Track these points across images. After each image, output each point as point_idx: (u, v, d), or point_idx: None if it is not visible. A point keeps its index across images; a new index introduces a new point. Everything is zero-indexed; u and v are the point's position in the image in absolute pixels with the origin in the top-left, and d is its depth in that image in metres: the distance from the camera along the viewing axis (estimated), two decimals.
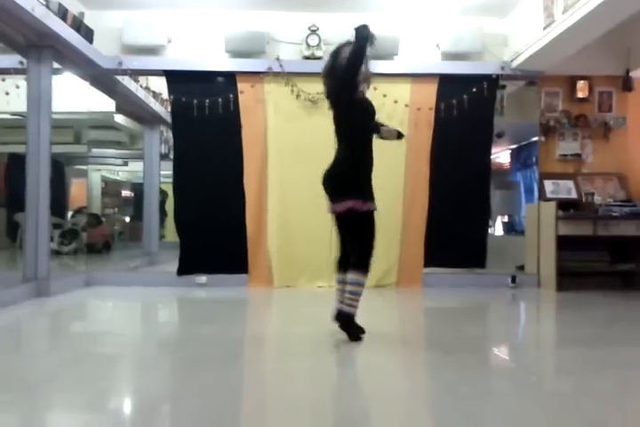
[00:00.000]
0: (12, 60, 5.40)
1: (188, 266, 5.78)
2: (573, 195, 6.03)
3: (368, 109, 3.48)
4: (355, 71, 3.32)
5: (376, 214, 3.38)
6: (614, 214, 5.63)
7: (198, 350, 3.16)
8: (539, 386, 2.62)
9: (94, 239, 9.19)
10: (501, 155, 9.19)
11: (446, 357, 3.03)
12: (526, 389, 2.54)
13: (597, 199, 5.87)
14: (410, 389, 2.60)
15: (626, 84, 6.13)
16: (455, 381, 2.56)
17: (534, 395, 2.41)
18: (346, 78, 3.35)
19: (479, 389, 2.49)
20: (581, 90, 6.20)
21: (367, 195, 3.34)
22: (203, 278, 5.77)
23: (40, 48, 4.96)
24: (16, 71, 5.48)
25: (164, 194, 8.69)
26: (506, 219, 8.66)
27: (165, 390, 2.54)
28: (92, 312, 4.89)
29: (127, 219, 11.51)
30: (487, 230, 6.16)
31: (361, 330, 3.32)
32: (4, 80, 5.87)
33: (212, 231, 5.75)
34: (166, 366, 2.97)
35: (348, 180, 3.34)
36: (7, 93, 5.88)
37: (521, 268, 6.32)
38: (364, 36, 3.23)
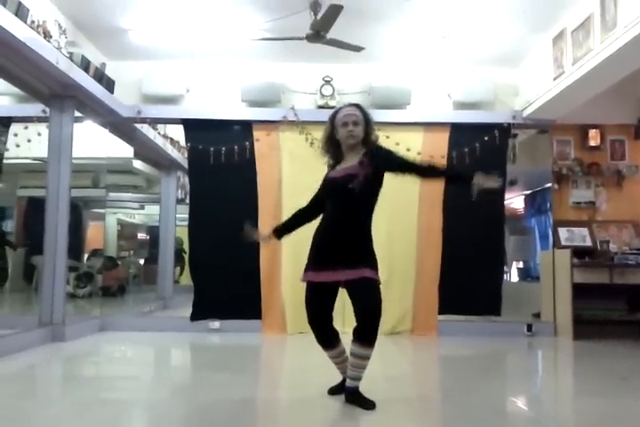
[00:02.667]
0: (35, 108, 5.56)
1: (202, 311, 5.79)
2: (588, 242, 6.01)
3: None
4: None
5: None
6: (630, 262, 5.59)
7: (211, 397, 3.15)
8: None
9: (109, 282, 9.22)
10: (515, 200, 9.21)
11: (462, 407, 3.00)
12: None
13: (613, 247, 5.84)
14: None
15: (638, 132, 6.19)
16: None
17: None
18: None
19: None
20: (593, 138, 6.26)
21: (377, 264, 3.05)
22: (216, 324, 5.76)
23: (63, 98, 5.12)
24: (39, 119, 5.64)
25: (179, 241, 8.77)
26: (521, 265, 8.61)
27: None
28: (106, 358, 4.88)
29: (141, 261, 11.57)
30: (502, 278, 6.14)
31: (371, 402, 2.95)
32: (26, 128, 6.03)
33: (227, 277, 5.78)
34: (179, 413, 2.96)
35: (365, 245, 3.02)
36: (29, 141, 6.03)
37: (537, 315, 6.26)
38: None
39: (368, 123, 3.08)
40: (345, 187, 2.97)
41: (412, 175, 3.08)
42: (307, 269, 3.07)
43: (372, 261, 2.99)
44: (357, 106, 3.12)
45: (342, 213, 3.02)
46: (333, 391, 3.16)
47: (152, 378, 4.05)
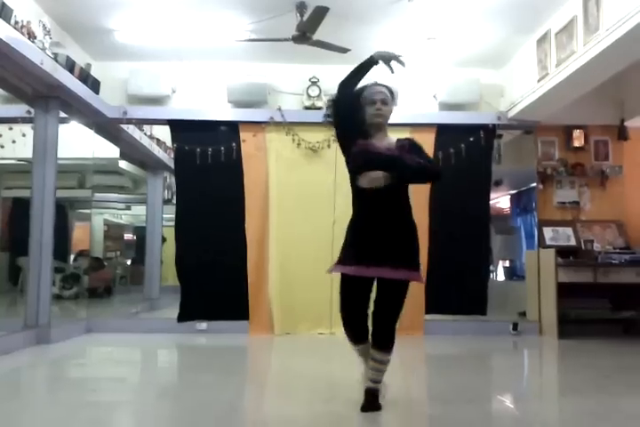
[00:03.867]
0: (19, 109, 5.52)
1: (189, 312, 5.78)
2: (572, 242, 6.07)
3: None
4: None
5: None
6: (614, 262, 5.65)
7: (197, 398, 3.15)
8: None
9: (96, 283, 9.18)
10: (501, 200, 9.27)
11: (449, 408, 3.02)
12: None
13: (597, 246, 5.91)
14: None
15: (621, 133, 6.25)
16: None
17: None
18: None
19: None
20: (577, 139, 6.32)
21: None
22: (203, 325, 5.76)
23: (47, 98, 5.09)
24: (23, 120, 5.60)
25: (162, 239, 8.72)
26: (507, 264, 8.67)
27: None
28: (93, 360, 4.87)
29: (128, 262, 11.52)
30: (488, 277, 6.18)
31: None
32: (11, 129, 6.00)
33: (213, 278, 5.78)
34: (165, 415, 2.96)
35: (416, 243, 2.89)
36: (14, 142, 5.99)
37: (523, 314, 6.31)
38: None
39: (392, 103, 2.96)
40: (395, 161, 2.78)
41: None
42: (344, 260, 2.85)
43: (419, 261, 2.88)
44: (385, 86, 2.99)
45: (386, 201, 2.81)
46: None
47: (139, 380, 4.05)
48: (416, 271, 2.83)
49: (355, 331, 2.93)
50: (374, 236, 2.80)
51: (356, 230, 2.88)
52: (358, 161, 2.86)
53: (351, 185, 2.92)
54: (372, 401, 2.86)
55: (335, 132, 3.02)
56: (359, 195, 2.87)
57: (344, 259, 2.85)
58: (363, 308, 2.89)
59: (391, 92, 2.98)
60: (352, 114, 2.90)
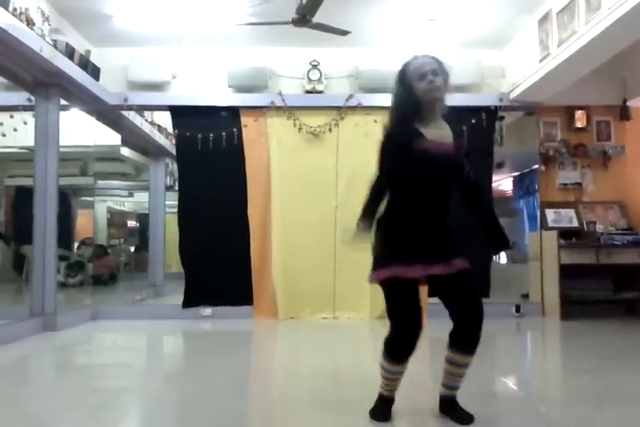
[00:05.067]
0: (20, 97, 5.52)
1: (193, 298, 5.81)
2: (575, 223, 6.07)
3: None
4: None
5: None
6: (616, 243, 5.66)
7: (203, 383, 3.18)
8: (548, 416, 2.64)
9: (100, 271, 9.22)
10: (504, 182, 9.25)
11: None
12: (537, 419, 2.56)
13: (599, 228, 5.90)
14: (420, 422, 2.62)
15: (623, 113, 6.20)
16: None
17: (545, 425, 2.45)
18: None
19: (491, 418, 2.50)
20: (579, 120, 6.29)
21: None
22: (208, 311, 5.79)
23: (48, 86, 5.08)
24: (24, 108, 5.60)
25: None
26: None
27: (172, 424, 2.57)
28: (99, 347, 4.91)
29: (132, 249, 11.56)
30: (490, 260, 6.19)
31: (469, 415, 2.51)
32: (12, 117, 5.99)
33: (217, 263, 5.80)
34: (172, 400, 3.00)
35: (452, 232, 2.56)
36: (15, 130, 5.99)
37: (526, 296, 6.33)
38: None
39: (445, 77, 2.47)
40: (450, 168, 2.45)
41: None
42: (389, 263, 2.41)
43: (458, 247, 2.54)
44: (431, 56, 2.52)
45: (439, 199, 2.47)
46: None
47: (145, 366, 4.09)
48: (464, 259, 2.50)
49: (414, 344, 2.44)
50: (432, 232, 2.46)
51: (410, 228, 2.43)
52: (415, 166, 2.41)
53: (396, 180, 2.46)
54: (451, 411, 2.52)
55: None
56: (412, 191, 2.44)
57: (393, 261, 2.41)
58: (421, 312, 2.45)
59: (440, 61, 2.49)
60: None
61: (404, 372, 2.52)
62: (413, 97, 2.43)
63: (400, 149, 2.40)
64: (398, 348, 2.47)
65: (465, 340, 2.46)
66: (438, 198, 2.47)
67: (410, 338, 2.43)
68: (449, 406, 2.54)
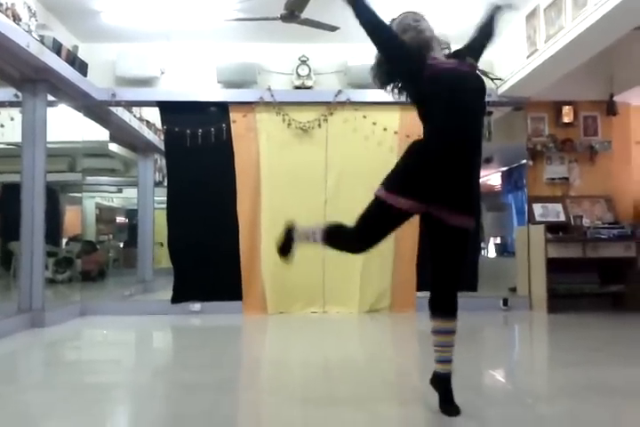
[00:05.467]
0: (6, 93, 5.48)
1: (182, 294, 5.81)
2: (562, 218, 6.12)
3: None
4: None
5: None
6: (603, 237, 5.72)
7: (193, 378, 3.19)
8: (535, 408, 2.68)
9: (89, 267, 9.18)
10: (492, 177, 9.31)
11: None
12: (524, 411, 2.59)
13: (586, 222, 5.96)
14: (407, 414, 2.64)
15: (610, 108, 6.26)
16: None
17: (532, 417, 2.48)
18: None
19: (479, 411, 2.53)
20: (567, 115, 6.33)
21: None
22: (197, 306, 5.80)
23: (35, 82, 5.05)
24: (11, 104, 5.56)
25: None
26: (498, 240, 8.74)
27: (162, 418, 2.58)
28: (87, 343, 4.91)
29: (121, 245, 11.53)
30: (478, 254, 6.24)
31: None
32: None
33: (206, 259, 5.80)
34: (161, 395, 3.01)
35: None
36: (2, 126, 5.95)
37: (513, 289, 6.38)
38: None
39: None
40: (480, 84, 2.51)
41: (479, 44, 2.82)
42: (400, 192, 2.37)
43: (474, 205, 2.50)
44: (407, 12, 2.69)
45: (472, 126, 2.45)
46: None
47: (134, 361, 4.09)
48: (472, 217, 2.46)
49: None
50: (455, 178, 2.38)
51: (435, 166, 2.36)
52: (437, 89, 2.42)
53: (423, 102, 2.49)
54: (451, 399, 2.48)
55: (402, 79, 2.59)
56: (442, 113, 2.40)
57: (407, 192, 2.36)
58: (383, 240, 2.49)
59: (418, 13, 2.68)
60: (403, 43, 2.53)
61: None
62: (406, 51, 2.51)
63: (411, 66, 2.50)
64: (339, 245, 2.65)
65: (448, 305, 2.50)
66: (470, 126, 2.43)
67: (352, 251, 2.67)
68: (442, 383, 2.53)
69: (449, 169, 2.36)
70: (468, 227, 2.46)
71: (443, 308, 2.50)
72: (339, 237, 2.60)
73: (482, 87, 2.56)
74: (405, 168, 2.45)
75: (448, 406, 2.47)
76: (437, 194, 2.38)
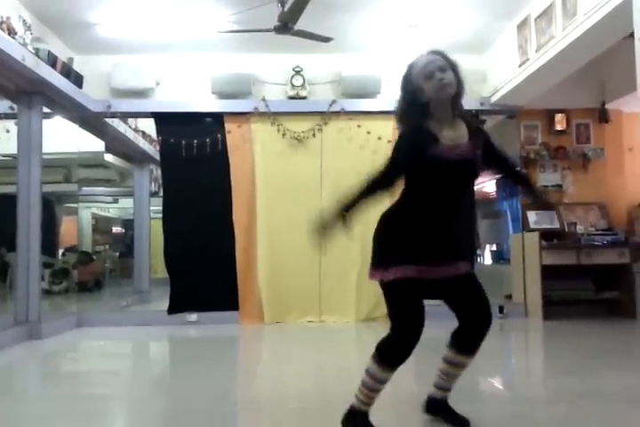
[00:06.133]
0: (2, 105, 5.51)
1: (179, 304, 5.81)
2: (556, 225, 6.15)
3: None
4: None
5: None
6: (597, 243, 5.75)
7: (190, 390, 3.20)
8: (531, 415, 2.69)
9: (85, 277, 9.18)
10: (487, 184, 9.34)
11: None
12: (520, 418, 2.61)
13: (580, 229, 5.99)
14: (403, 424, 2.66)
15: (602, 116, 6.31)
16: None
17: (528, 424, 2.50)
18: None
19: (475, 417, 2.54)
20: (559, 122, 6.38)
21: None
22: (193, 316, 5.80)
23: (30, 94, 5.07)
24: (6, 116, 5.58)
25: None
26: (494, 248, 8.76)
27: None
28: (84, 354, 4.90)
29: (117, 255, 11.52)
30: (474, 262, 6.26)
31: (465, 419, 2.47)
32: None
33: (202, 269, 5.80)
34: (159, 407, 3.01)
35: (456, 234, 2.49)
36: None
37: (509, 296, 6.40)
38: None
39: (456, 70, 2.33)
40: (467, 171, 2.33)
41: (494, 171, 2.61)
42: (398, 262, 2.27)
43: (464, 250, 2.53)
44: (435, 51, 2.38)
45: (454, 200, 2.37)
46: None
47: (131, 373, 4.09)
48: (467, 263, 2.43)
49: (412, 348, 2.31)
50: (440, 233, 2.37)
51: (418, 228, 2.32)
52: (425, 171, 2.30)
53: (407, 178, 2.36)
54: (457, 414, 2.47)
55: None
56: (426, 191, 2.33)
57: (402, 260, 2.28)
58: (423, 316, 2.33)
59: (446, 56, 2.36)
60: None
61: (388, 381, 2.35)
62: (420, 100, 2.29)
63: (415, 151, 2.26)
64: (397, 352, 2.30)
65: (471, 341, 2.39)
66: (452, 201, 2.36)
67: (411, 342, 2.28)
68: (441, 407, 2.50)
69: (433, 232, 2.34)
70: (467, 271, 2.39)
71: (467, 344, 2.42)
72: (389, 347, 2.33)
73: (473, 172, 2.36)
74: (388, 242, 2.35)
75: (459, 422, 2.46)
76: (432, 255, 2.33)
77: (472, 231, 6.23)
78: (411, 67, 2.37)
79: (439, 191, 2.32)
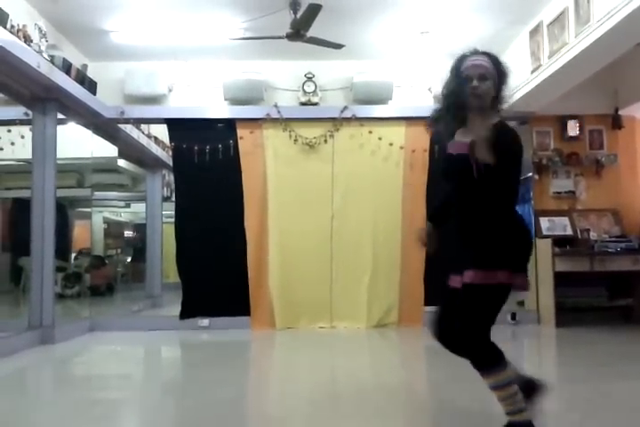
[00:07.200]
0: (17, 111, 5.56)
1: (191, 309, 5.84)
2: (569, 231, 6.12)
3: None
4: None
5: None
6: (610, 250, 5.71)
7: (202, 395, 3.21)
8: (543, 423, 2.67)
9: (98, 281, 9.22)
10: None
11: (449, 397, 3.08)
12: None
13: (593, 235, 5.96)
14: None
15: (615, 122, 6.28)
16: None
17: None
18: None
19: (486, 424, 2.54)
20: (572, 129, 6.36)
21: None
22: (205, 322, 5.82)
23: (45, 101, 5.12)
24: (21, 122, 5.64)
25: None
26: None
27: None
28: (97, 359, 4.92)
29: (129, 259, 11.57)
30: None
31: None
32: (9, 131, 6.03)
33: (214, 274, 5.83)
34: (171, 411, 3.02)
35: (482, 238, 2.39)
36: (12, 144, 6.03)
37: (521, 303, 6.36)
38: None
39: (502, 78, 2.34)
40: (459, 168, 2.26)
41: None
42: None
43: (483, 257, 2.26)
44: (488, 54, 2.35)
45: (460, 200, 2.35)
46: None
47: (143, 377, 4.12)
48: (469, 271, 2.28)
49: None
50: (456, 238, 2.41)
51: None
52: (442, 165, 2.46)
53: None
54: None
55: None
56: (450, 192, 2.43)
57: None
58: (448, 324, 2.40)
59: (495, 60, 2.34)
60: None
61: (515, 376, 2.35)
62: (458, 94, 2.30)
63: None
64: (496, 350, 2.30)
65: (469, 360, 2.33)
66: (460, 200, 2.34)
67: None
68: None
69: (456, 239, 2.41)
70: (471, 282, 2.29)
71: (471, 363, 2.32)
72: (488, 351, 2.34)
73: (464, 169, 2.24)
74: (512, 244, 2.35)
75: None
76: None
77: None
78: (462, 58, 2.34)
79: (452, 191, 2.39)
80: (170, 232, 6.58)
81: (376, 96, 6.20)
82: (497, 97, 2.34)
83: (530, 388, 2.46)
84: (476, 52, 2.35)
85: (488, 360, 2.28)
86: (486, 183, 2.21)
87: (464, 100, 2.29)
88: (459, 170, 2.28)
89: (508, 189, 2.30)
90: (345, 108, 6.03)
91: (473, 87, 2.26)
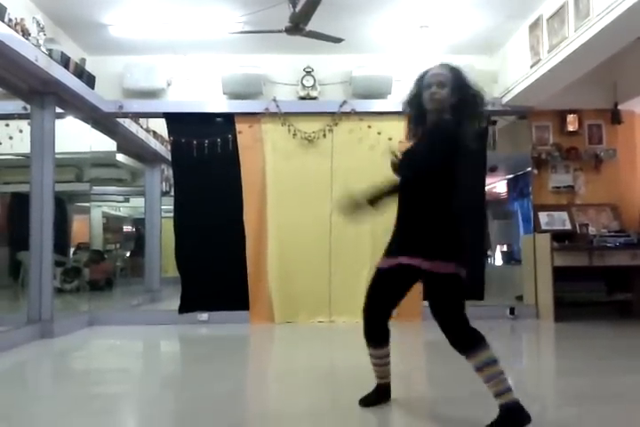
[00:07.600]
0: (15, 105, 5.54)
1: (190, 304, 5.85)
2: (568, 226, 6.13)
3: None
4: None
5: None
6: (609, 245, 5.72)
7: (201, 389, 3.22)
8: (542, 416, 2.69)
9: (96, 276, 9.21)
10: (498, 185, 9.31)
11: (448, 392, 3.09)
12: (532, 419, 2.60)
13: (592, 230, 5.97)
14: (413, 423, 2.66)
15: (615, 117, 6.27)
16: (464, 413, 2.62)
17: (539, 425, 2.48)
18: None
19: (486, 418, 2.54)
20: (571, 123, 6.35)
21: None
22: (204, 316, 5.83)
23: (43, 95, 5.11)
24: (20, 116, 5.62)
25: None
26: (505, 248, 8.73)
27: None
28: (96, 353, 4.93)
29: (128, 254, 11.57)
30: (484, 263, 6.25)
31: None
32: (7, 125, 6.02)
33: (213, 269, 5.84)
34: (170, 405, 3.03)
35: (428, 231, 2.72)
36: (11, 138, 6.02)
37: (520, 298, 6.38)
38: None
39: (461, 87, 2.61)
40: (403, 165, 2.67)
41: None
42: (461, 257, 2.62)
43: (436, 250, 2.54)
44: (448, 66, 2.68)
45: (402, 195, 2.74)
46: (367, 403, 2.80)
47: (142, 371, 4.12)
48: (441, 262, 2.52)
49: (371, 330, 2.81)
50: (397, 229, 2.76)
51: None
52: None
53: None
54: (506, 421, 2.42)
55: None
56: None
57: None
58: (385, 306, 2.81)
59: (454, 71, 2.65)
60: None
61: (381, 358, 2.81)
62: (419, 100, 2.66)
63: None
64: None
65: (451, 342, 2.54)
66: (406, 196, 2.71)
67: (365, 321, 2.82)
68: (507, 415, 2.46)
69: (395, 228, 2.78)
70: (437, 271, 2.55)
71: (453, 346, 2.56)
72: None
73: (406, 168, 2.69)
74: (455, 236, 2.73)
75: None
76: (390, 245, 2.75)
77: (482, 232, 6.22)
78: (427, 71, 2.71)
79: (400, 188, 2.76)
80: (169, 227, 6.57)
81: (375, 90, 6.18)
82: (458, 102, 2.60)
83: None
84: (438, 65, 2.70)
85: (474, 341, 2.49)
86: (426, 181, 2.58)
87: (424, 103, 2.63)
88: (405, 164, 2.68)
89: (445, 183, 2.65)
90: (344, 102, 6.02)
91: (432, 93, 2.60)
